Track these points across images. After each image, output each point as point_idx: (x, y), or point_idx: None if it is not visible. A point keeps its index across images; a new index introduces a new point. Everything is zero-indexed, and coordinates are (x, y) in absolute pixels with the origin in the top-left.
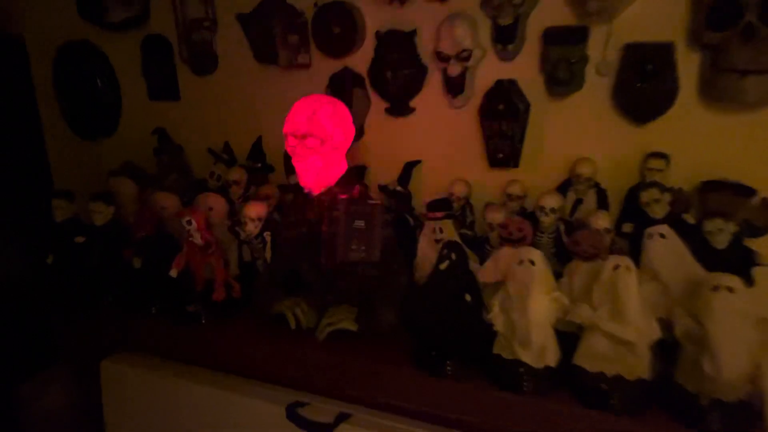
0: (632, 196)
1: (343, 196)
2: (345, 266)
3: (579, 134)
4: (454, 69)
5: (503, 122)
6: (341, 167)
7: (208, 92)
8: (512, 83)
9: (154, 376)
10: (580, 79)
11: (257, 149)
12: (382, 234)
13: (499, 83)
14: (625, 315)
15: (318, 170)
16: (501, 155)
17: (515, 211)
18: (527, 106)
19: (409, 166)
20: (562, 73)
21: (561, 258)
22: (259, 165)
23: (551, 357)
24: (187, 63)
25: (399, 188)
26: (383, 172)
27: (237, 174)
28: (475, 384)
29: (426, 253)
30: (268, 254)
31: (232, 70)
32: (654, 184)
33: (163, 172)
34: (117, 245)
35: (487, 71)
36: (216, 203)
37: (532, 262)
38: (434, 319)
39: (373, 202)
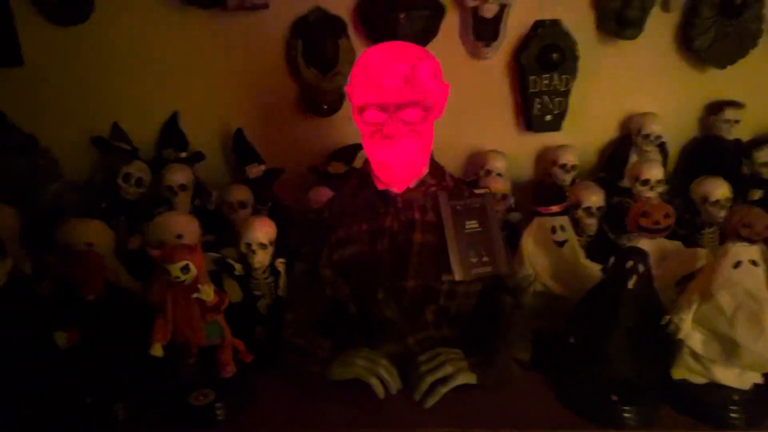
0: (696, 151)
1: (435, 189)
2: (435, 288)
3: (635, 84)
4: (490, 8)
5: (555, 75)
6: (429, 148)
7: (77, 51)
8: (555, 25)
9: None
10: (645, 19)
11: (174, 131)
12: (501, 234)
13: (540, 25)
14: None
15: (414, 157)
16: (549, 117)
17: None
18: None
19: None
20: (635, 12)
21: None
22: (183, 154)
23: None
24: (39, 5)
25: None
26: None
27: (183, 175)
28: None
29: (535, 257)
30: (282, 289)
31: (123, 14)
32: None
33: (28, 182)
34: (31, 319)
35: (520, 11)
36: (187, 227)
37: (755, 263)
38: (625, 356)
39: (482, 190)
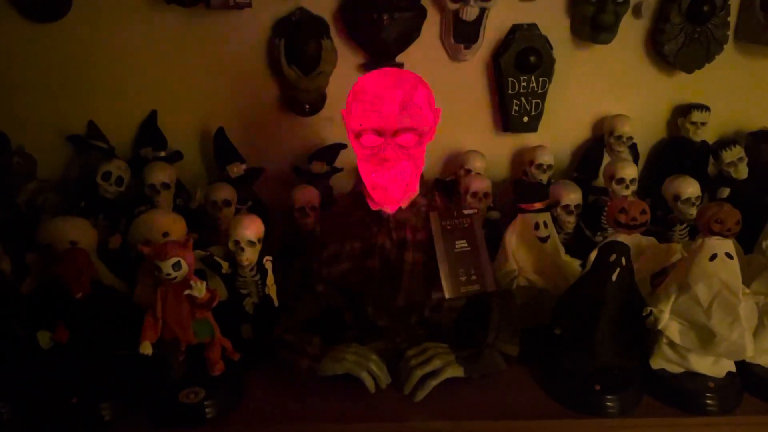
0: (665, 152)
1: (426, 209)
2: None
3: (608, 87)
4: (471, 11)
5: (533, 77)
6: (421, 170)
7: (52, 48)
8: (532, 29)
9: None
10: (618, 24)
11: (152, 130)
12: (488, 253)
13: (517, 29)
14: None
15: (408, 179)
16: (526, 118)
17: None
18: None
19: None
20: (609, 16)
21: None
22: (162, 153)
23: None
24: (13, 0)
25: None
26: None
27: (165, 173)
28: (642, 412)
29: (518, 253)
30: (271, 288)
31: (101, 11)
32: (735, 142)
33: (3, 181)
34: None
35: (498, 15)
36: (173, 225)
37: (730, 255)
38: (609, 346)
39: (470, 211)
